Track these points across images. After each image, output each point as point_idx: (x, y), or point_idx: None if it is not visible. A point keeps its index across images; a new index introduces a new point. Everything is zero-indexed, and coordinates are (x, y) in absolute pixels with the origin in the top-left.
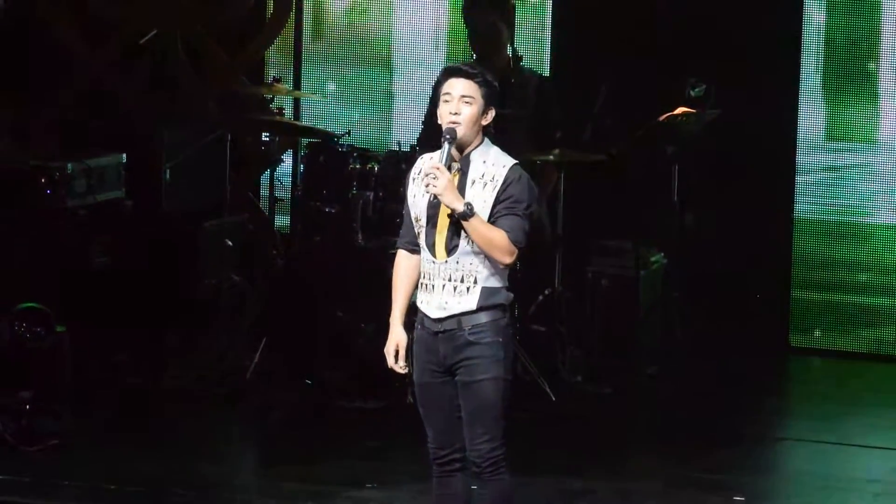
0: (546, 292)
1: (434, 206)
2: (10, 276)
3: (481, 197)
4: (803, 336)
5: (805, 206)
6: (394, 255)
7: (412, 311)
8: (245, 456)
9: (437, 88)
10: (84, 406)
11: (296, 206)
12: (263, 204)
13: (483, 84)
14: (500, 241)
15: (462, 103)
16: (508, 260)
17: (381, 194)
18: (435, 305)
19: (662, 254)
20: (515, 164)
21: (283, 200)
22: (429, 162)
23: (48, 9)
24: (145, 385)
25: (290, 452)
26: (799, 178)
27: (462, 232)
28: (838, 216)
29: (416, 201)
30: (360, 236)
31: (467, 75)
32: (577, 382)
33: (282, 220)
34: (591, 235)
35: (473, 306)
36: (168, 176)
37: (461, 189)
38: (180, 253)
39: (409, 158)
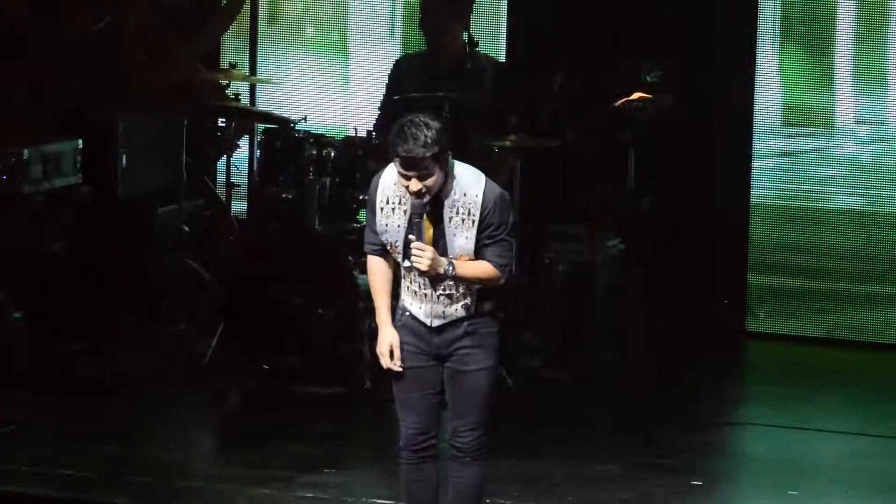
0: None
1: (414, 235)
2: None
3: (463, 233)
4: (759, 321)
5: (761, 191)
6: (351, 240)
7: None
8: (202, 441)
9: (394, 76)
10: (41, 392)
11: (252, 192)
12: (220, 190)
13: (433, 155)
14: (487, 274)
15: (421, 180)
16: (501, 282)
17: (337, 180)
18: (431, 314)
19: (619, 239)
20: (484, 185)
21: (239, 186)
22: (392, 188)
23: None
24: (102, 371)
25: (248, 438)
26: (755, 164)
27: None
28: (795, 201)
29: (390, 230)
30: (316, 222)
31: (416, 162)
32: (534, 368)
33: (238, 206)
34: (548, 221)
35: (472, 309)
36: (124, 162)
37: (440, 227)
38: (137, 239)
39: (365, 144)
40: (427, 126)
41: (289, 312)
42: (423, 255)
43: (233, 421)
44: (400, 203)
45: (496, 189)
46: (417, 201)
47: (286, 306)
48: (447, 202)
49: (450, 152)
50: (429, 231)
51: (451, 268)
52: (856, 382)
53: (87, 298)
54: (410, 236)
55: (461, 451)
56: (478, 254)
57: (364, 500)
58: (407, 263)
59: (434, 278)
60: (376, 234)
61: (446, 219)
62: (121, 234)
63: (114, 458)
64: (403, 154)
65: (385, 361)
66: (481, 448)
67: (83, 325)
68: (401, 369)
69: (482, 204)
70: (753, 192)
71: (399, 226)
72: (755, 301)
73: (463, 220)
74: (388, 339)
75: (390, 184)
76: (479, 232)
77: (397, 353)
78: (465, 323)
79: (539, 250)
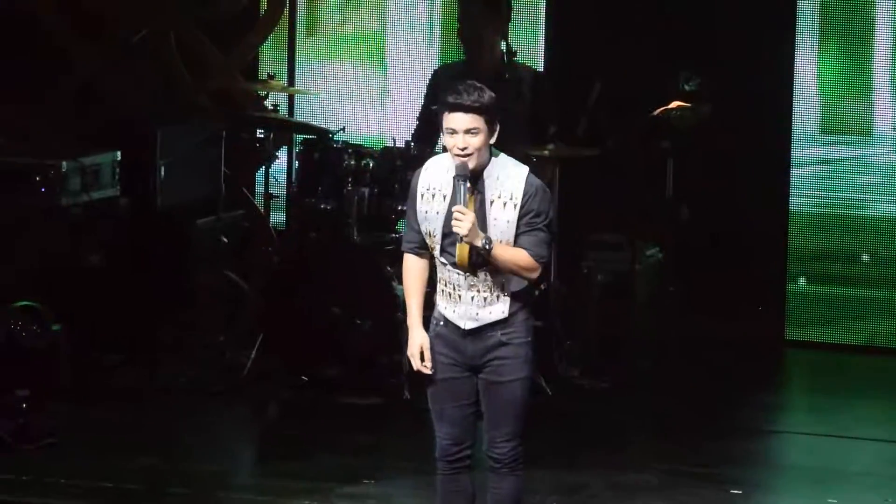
0: (542, 287)
1: (458, 198)
2: (4, 275)
3: (504, 217)
4: (799, 329)
5: (800, 199)
6: (389, 251)
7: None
8: (242, 453)
9: (432, 86)
10: (81, 404)
11: (291, 203)
12: (258, 201)
13: (485, 111)
14: (524, 261)
15: (468, 136)
16: (534, 276)
17: (375, 191)
18: (465, 316)
19: (658, 248)
20: (528, 172)
21: (277, 197)
22: (435, 176)
23: (43, 6)
24: (141, 383)
25: (287, 449)
26: (794, 172)
27: None
28: (833, 209)
29: (429, 217)
30: (355, 232)
31: (468, 109)
32: (573, 377)
33: (277, 217)
34: (587, 230)
35: (506, 314)
36: (163, 173)
37: (481, 210)
38: (175, 250)
39: (403, 155)
40: (482, 89)
41: (327, 323)
42: (464, 219)
43: (272, 432)
44: (440, 189)
45: (538, 179)
46: (461, 163)
47: (325, 317)
48: (489, 184)
49: (498, 125)
50: (470, 205)
51: (487, 243)
52: (895, 390)
53: (126, 310)
54: (438, 168)
55: (498, 461)
56: (515, 242)
57: None
58: (443, 260)
59: (469, 267)
60: (415, 231)
61: (488, 202)
62: (159, 246)
63: (154, 470)
64: (452, 100)
65: (416, 363)
66: (518, 459)
67: (122, 337)
68: (430, 371)
69: (524, 188)
70: (792, 199)
71: (438, 212)
72: (794, 309)
73: (504, 203)
74: (418, 341)
75: (433, 172)
76: (519, 218)
77: (427, 355)
78: (500, 332)
79: (578, 259)
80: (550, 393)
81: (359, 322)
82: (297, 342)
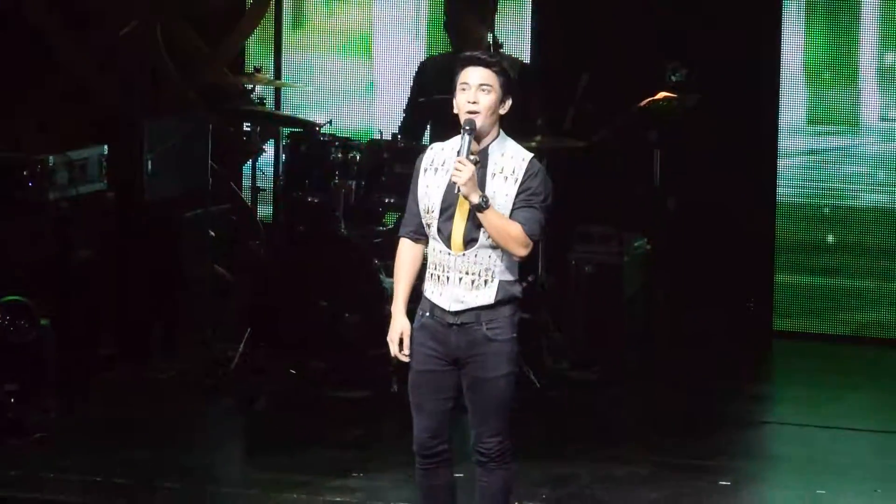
0: (529, 279)
1: (450, 198)
2: None
3: (503, 190)
4: (787, 320)
5: (788, 190)
6: (377, 243)
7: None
8: (231, 446)
9: (419, 79)
10: (70, 399)
11: (278, 196)
12: (245, 194)
13: (500, 73)
14: (515, 233)
15: (480, 92)
16: (523, 252)
17: (363, 183)
18: (451, 298)
19: (645, 239)
20: (533, 156)
21: (265, 190)
22: (440, 153)
23: (29, 1)
24: (130, 377)
25: (276, 442)
26: (781, 162)
27: (481, 226)
28: (821, 200)
29: (430, 192)
30: (342, 225)
31: (485, 63)
32: (561, 369)
33: (264, 210)
34: (574, 222)
35: (492, 300)
36: (150, 167)
37: (481, 182)
38: (163, 244)
39: (390, 147)
40: (501, 55)
41: (315, 316)
42: (464, 169)
43: (261, 425)
44: (444, 165)
45: (541, 165)
46: (468, 118)
47: (312, 310)
48: (493, 160)
49: (510, 99)
50: (475, 173)
51: (484, 200)
52: (884, 381)
53: (114, 304)
54: (444, 149)
55: (485, 456)
56: (510, 216)
57: (392, 503)
58: (437, 238)
59: (461, 242)
60: (414, 214)
61: (489, 174)
62: (147, 240)
63: (143, 464)
64: (468, 55)
65: (393, 349)
66: (505, 453)
67: (111, 332)
68: (407, 359)
69: (527, 167)
70: (779, 190)
71: (439, 186)
72: (781, 300)
73: (506, 178)
74: (399, 328)
75: (438, 149)
76: (517, 193)
77: (406, 342)
78: (485, 326)
79: (566, 251)
80: (539, 385)
81: (347, 315)
82: (284, 335)
